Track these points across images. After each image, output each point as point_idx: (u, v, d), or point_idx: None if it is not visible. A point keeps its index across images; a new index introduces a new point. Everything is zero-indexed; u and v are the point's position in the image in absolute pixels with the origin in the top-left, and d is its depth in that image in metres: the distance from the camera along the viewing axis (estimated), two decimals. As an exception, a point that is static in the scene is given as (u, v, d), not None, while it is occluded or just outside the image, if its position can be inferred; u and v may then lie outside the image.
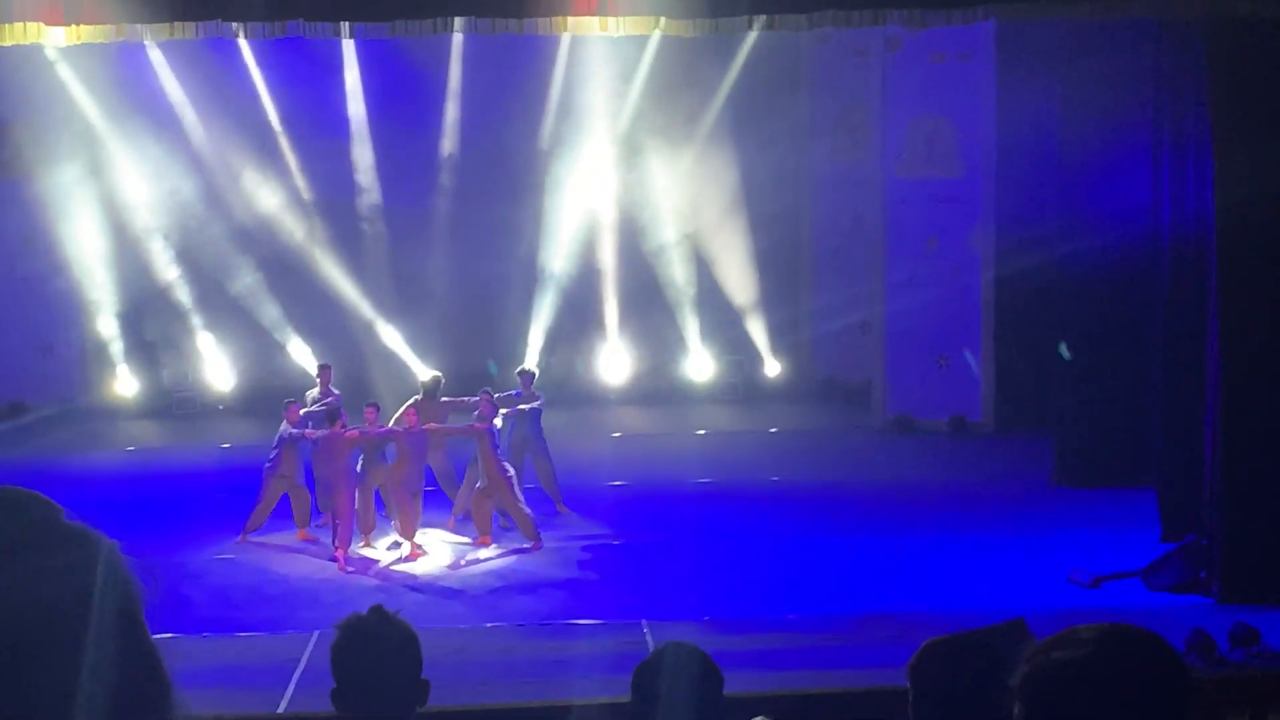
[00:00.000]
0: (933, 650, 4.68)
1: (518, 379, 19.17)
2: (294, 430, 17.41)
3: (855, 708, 9.43)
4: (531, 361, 24.38)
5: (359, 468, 17.15)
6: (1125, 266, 18.67)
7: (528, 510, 17.20)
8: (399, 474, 17.03)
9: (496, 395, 18.08)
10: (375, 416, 17.32)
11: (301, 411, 17.86)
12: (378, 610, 4.88)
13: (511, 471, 17.23)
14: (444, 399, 18.59)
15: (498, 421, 17.52)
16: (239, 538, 17.42)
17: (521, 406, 18.35)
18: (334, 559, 16.57)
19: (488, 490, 17.18)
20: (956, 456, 21.41)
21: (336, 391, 18.62)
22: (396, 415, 17.80)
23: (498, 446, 17.15)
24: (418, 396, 18.43)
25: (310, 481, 17.84)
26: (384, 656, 4.77)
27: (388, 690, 4.74)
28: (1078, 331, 19.56)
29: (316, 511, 17.76)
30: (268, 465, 17.49)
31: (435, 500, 18.11)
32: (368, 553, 17.05)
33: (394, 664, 4.79)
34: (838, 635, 13.94)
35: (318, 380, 18.99)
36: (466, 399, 18.40)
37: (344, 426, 16.95)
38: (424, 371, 22.23)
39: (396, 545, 17.16)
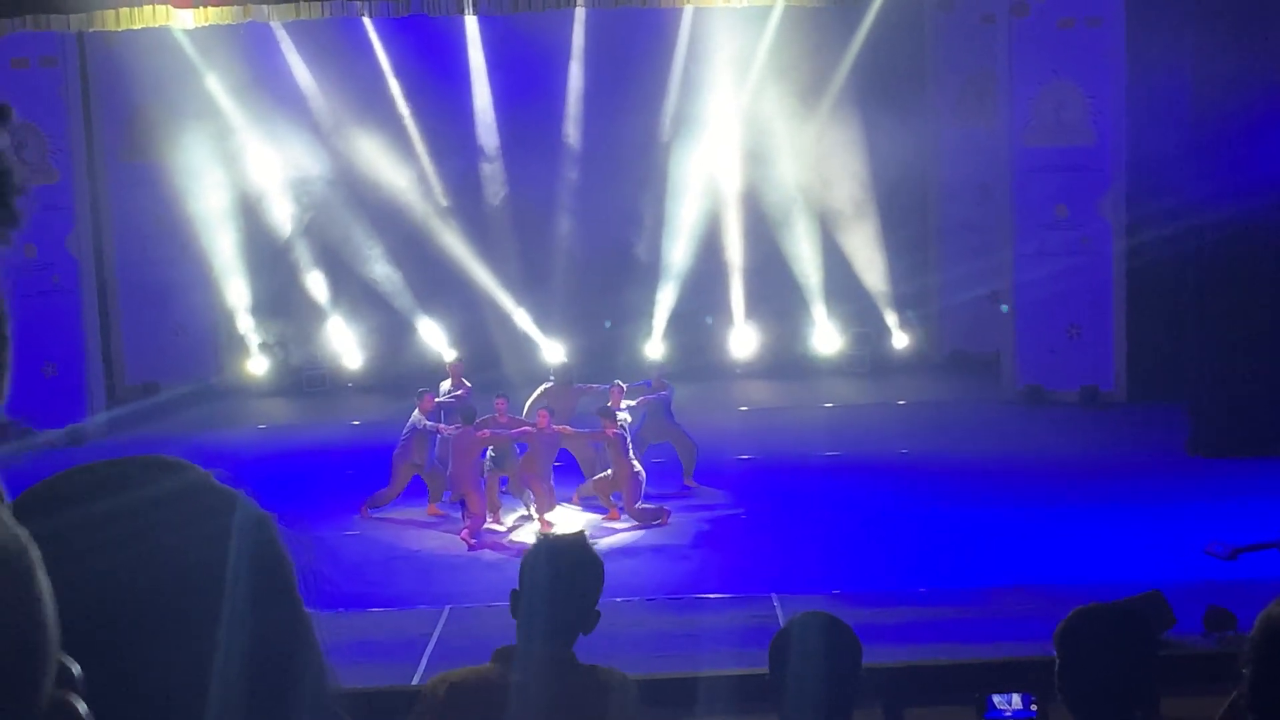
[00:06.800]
0: (1080, 618, 4.61)
1: (649, 369, 19.16)
2: (427, 422, 17.47)
3: (990, 679, 9.32)
4: (658, 340, 24.47)
5: (490, 456, 17.25)
6: (1261, 231, 18.35)
7: (645, 508, 17.15)
8: (531, 467, 17.11)
9: (627, 385, 18.13)
10: (505, 408, 17.36)
11: (436, 400, 17.89)
12: (580, 534, 5.40)
13: (643, 475, 17.21)
14: (576, 385, 18.67)
15: (625, 416, 17.53)
16: (360, 511, 17.58)
17: (649, 396, 18.38)
18: (462, 537, 16.65)
19: (613, 483, 17.21)
20: (1089, 427, 21.12)
21: (468, 384, 18.62)
22: (528, 403, 17.87)
23: (628, 450, 17.11)
24: (549, 384, 18.50)
25: (438, 464, 17.88)
26: (572, 572, 5.13)
27: (566, 605, 5.07)
28: (1212, 299, 19.21)
29: (448, 491, 17.84)
30: (397, 451, 17.62)
31: (569, 474, 18.15)
32: (496, 528, 17.14)
33: (579, 582, 5.13)
34: (970, 608, 13.80)
35: (449, 372, 19.01)
36: (597, 386, 18.46)
37: (478, 424, 16.95)
38: (554, 355, 22.32)
39: (524, 519, 17.24)
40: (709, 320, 25.72)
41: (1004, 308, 22.94)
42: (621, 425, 17.27)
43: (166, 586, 1.52)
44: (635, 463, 17.15)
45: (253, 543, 1.60)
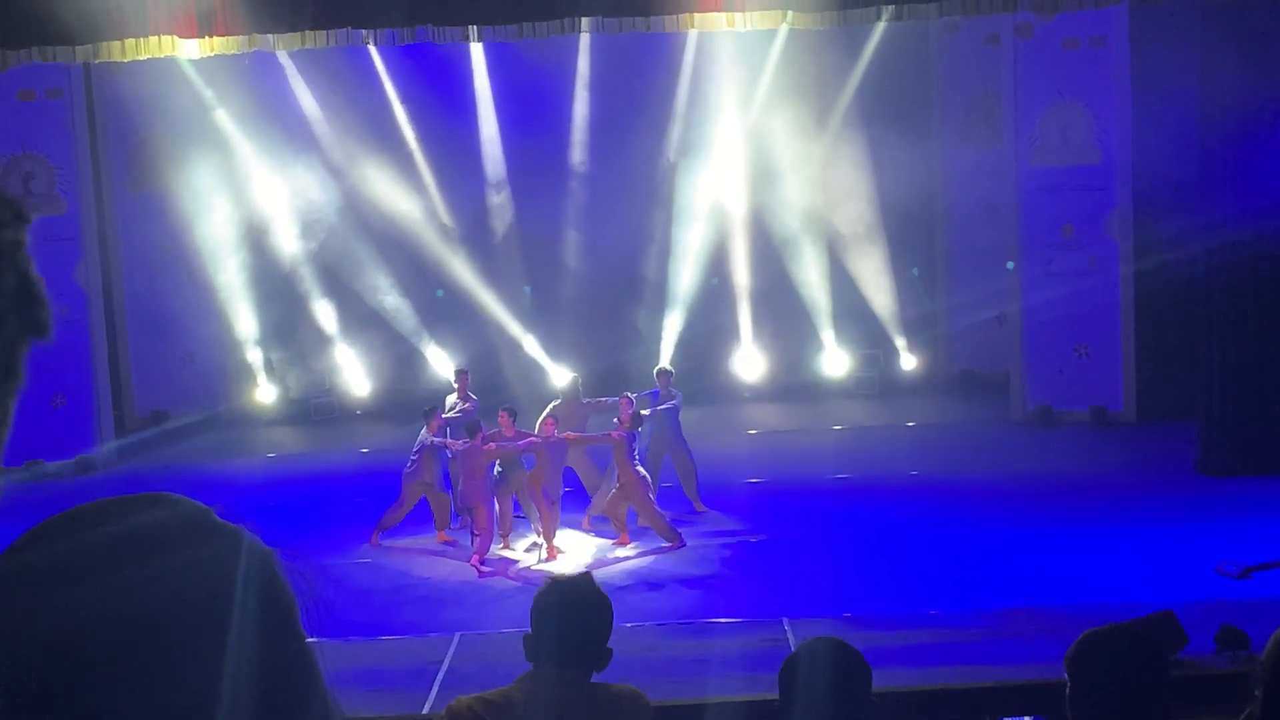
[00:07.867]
0: (1091, 641, 4.60)
1: (655, 379, 19.17)
2: (435, 439, 17.52)
3: (1002, 702, 9.31)
4: (666, 360, 24.42)
5: (496, 473, 17.21)
6: (1270, 249, 18.33)
7: (662, 514, 17.15)
8: (538, 481, 17.05)
9: (635, 395, 18.11)
10: (509, 421, 17.32)
11: (442, 415, 17.96)
12: (587, 574, 5.55)
13: (648, 478, 17.20)
14: (585, 400, 18.66)
15: (642, 426, 17.52)
16: (370, 538, 17.60)
17: (660, 407, 18.36)
18: (473, 564, 16.62)
19: (623, 494, 17.17)
20: (1098, 447, 21.09)
21: (474, 397, 18.68)
22: (539, 422, 17.87)
23: (634, 454, 17.09)
24: (557, 401, 18.49)
25: (448, 485, 17.94)
26: (582, 612, 5.30)
27: (579, 644, 5.24)
28: (1221, 318, 19.18)
29: (455, 515, 17.84)
30: (407, 471, 17.64)
31: (576, 499, 18.14)
32: (506, 554, 17.11)
33: (589, 621, 5.30)
34: (982, 630, 13.76)
35: (455, 386, 19.07)
36: (606, 399, 18.48)
37: (483, 438, 16.95)
38: (561, 375, 22.33)
39: (535, 546, 17.21)
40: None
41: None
42: (635, 429, 17.25)
43: (167, 622, 1.52)
44: (640, 468, 17.11)
45: (254, 577, 1.59)
